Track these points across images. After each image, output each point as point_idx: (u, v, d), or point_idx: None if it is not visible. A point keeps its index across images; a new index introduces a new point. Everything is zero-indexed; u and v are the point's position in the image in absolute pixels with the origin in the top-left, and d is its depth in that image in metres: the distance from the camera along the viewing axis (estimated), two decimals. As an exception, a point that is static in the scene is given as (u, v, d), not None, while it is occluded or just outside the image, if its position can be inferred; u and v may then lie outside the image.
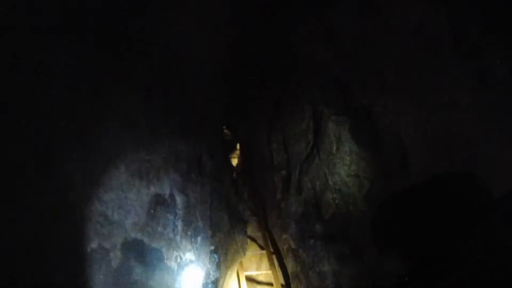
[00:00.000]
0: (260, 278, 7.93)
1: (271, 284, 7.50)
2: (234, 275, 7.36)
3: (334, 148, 6.11)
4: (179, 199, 5.25)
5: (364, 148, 5.86)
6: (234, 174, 9.70)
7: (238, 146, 10.76)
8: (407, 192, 1.52)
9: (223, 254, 6.73)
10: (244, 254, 7.43)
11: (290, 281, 6.93)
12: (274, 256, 7.85)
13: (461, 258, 1.27)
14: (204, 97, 7.11)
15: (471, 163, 4.66)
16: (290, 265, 7.11)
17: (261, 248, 8.26)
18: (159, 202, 4.97)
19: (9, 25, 3.70)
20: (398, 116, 5.36)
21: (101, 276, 4.05)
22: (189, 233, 5.34)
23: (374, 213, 5.55)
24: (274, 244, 8.05)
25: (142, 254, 4.63)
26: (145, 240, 4.70)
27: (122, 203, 4.50)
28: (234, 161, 10.74)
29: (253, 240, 8.40)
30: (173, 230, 5.09)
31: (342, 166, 6.02)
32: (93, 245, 4.06)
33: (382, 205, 5.54)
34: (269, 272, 7.69)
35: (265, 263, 7.91)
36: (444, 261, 1.34)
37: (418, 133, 5.16)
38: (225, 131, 10.87)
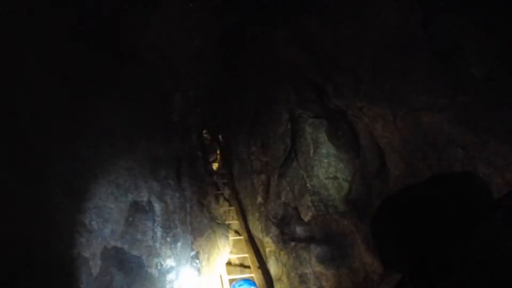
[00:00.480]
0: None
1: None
2: (217, 279, 7.34)
3: (312, 151, 6.14)
4: (157, 206, 5.24)
5: (341, 150, 5.90)
6: (215, 178, 9.68)
7: (218, 150, 10.75)
8: (406, 191, 1.53)
9: (205, 259, 6.70)
10: (227, 258, 7.41)
11: (274, 284, 6.92)
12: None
13: (461, 258, 1.28)
14: (183, 103, 7.09)
15: (448, 164, 4.71)
16: (272, 268, 7.09)
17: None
18: (138, 210, 4.95)
19: None
20: (374, 119, 5.40)
21: (82, 285, 4.03)
22: (168, 239, 5.32)
23: (356, 218, 5.59)
24: (255, 246, 8.12)
25: (122, 262, 4.61)
26: (125, 247, 4.68)
27: (100, 211, 4.48)
28: (215, 165, 10.72)
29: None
30: (153, 237, 5.08)
31: (320, 169, 6.06)
32: (73, 254, 4.04)
33: (363, 211, 5.58)
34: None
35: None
36: (444, 261, 1.35)
37: (395, 134, 5.20)
38: (205, 135, 10.86)
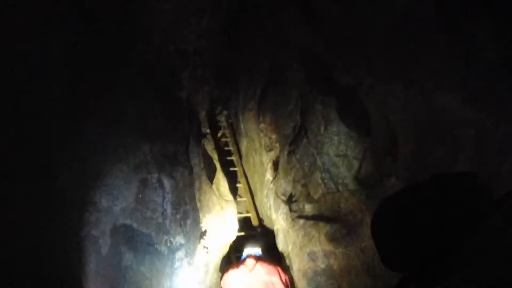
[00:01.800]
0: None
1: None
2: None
3: (322, 128, 6.09)
4: (167, 183, 5.21)
5: (352, 128, 5.85)
6: (223, 155, 9.67)
7: (226, 128, 10.72)
8: (404, 191, 1.51)
9: (213, 237, 6.72)
10: (235, 235, 7.42)
11: (281, 261, 6.94)
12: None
13: (461, 258, 1.26)
14: (191, 81, 7.06)
15: (459, 144, 4.67)
16: (280, 245, 7.11)
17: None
18: (147, 187, 4.93)
19: None
20: (385, 97, 5.34)
21: (91, 264, 4.03)
22: (178, 216, 5.31)
23: (365, 197, 5.56)
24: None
25: (131, 239, 4.61)
26: (134, 225, 4.68)
27: (109, 189, 4.47)
28: (223, 143, 10.70)
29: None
30: (162, 214, 5.07)
31: (331, 146, 6.01)
32: (83, 232, 4.04)
33: (373, 190, 5.55)
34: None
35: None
36: (444, 261, 1.33)
37: (406, 114, 5.15)
38: (214, 113, 10.83)
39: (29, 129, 3.80)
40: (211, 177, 7.41)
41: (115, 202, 4.49)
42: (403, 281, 1.52)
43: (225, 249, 7.03)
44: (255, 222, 8.31)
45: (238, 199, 8.60)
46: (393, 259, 1.64)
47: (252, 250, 6.42)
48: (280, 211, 6.97)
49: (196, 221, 5.80)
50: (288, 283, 6.27)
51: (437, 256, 1.39)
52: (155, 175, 5.06)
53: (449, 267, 1.32)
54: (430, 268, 1.40)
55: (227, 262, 7.19)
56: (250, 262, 6.12)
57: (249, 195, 8.77)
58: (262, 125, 7.83)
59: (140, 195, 4.80)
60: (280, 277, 6.09)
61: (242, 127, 9.25)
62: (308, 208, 6.28)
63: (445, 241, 1.40)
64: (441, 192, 1.55)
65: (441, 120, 4.78)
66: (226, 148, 9.63)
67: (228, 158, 9.52)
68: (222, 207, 7.36)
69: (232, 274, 5.99)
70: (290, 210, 6.66)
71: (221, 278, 6.45)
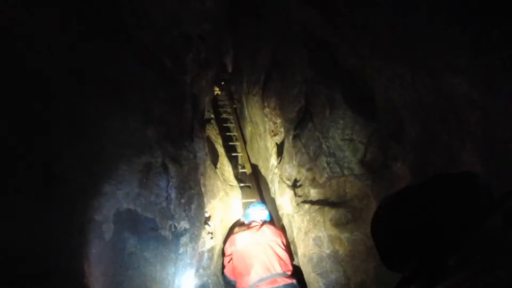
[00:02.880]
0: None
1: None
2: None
3: (327, 112, 6.04)
4: (171, 167, 5.17)
5: (357, 111, 5.80)
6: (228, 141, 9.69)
7: (230, 112, 10.73)
8: (404, 191, 1.49)
9: (218, 222, 6.71)
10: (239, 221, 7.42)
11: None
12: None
13: (461, 258, 1.24)
14: (195, 65, 7.00)
15: (467, 127, 4.62)
16: (286, 230, 7.11)
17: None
18: (151, 171, 4.89)
19: None
20: (392, 79, 5.28)
21: (94, 250, 4.00)
22: (182, 201, 5.27)
23: (371, 181, 5.53)
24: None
25: (135, 224, 4.57)
26: (138, 210, 4.63)
27: (112, 173, 4.42)
28: (228, 128, 10.73)
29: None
30: (166, 198, 5.03)
31: (336, 130, 5.96)
32: (84, 218, 3.99)
33: (378, 174, 5.52)
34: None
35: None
36: (444, 261, 1.31)
37: (413, 95, 5.10)
38: (218, 97, 10.82)
39: (28, 110, 3.75)
40: (215, 162, 7.40)
41: (118, 187, 4.43)
42: (403, 281, 1.51)
43: (229, 234, 7.01)
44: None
45: (243, 184, 8.58)
46: (393, 259, 1.63)
47: (261, 214, 6.94)
48: (285, 196, 6.95)
49: (201, 206, 5.76)
50: (288, 245, 6.77)
51: (437, 256, 1.37)
52: (159, 159, 5.02)
53: (449, 267, 1.30)
54: (430, 268, 1.38)
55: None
56: (256, 223, 6.65)
57: (253, 180, 8.75)
58: (266, 110, 7.79)
59: (144, 180, 4.75)
60: (282, 239, 6.53)
61: (246, 113, 9.24)
62: (313, 193, 6.27)
63: (445, 241, 1.38)
64: (441, 192, 1.53)
65: (448, 103, 4.73)
66: (229, 134, 9.62)
67: (233, 143, 9.52)
68: (226, 193, 7.35)
69: (241, 235, 6.40)
70: (295, 195, 6.65)
71: (224, 242, 6.79)
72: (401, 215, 1.54)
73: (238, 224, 7.40)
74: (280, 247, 6.40)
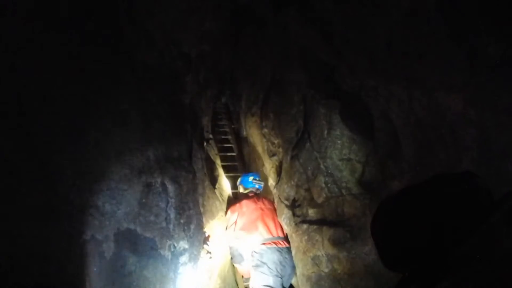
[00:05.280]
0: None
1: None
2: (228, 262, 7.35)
3: (326, 132, 6.08)
4: (171, 188, 5.20)
5: (355, 131, 5.85)
6: (226, 160, 9.72)
7: (229, 133, 10.76)
8: (404, 191, 1.49)
9: (216, 242, 6.71)
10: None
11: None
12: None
13: (461, 258, 1.25)
14: (194, 85, 7.06)
15: (463, 145, 4.67)
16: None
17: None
18: (151, 191, 4.92)
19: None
20: (389, 99, 5.35)
21: (95, 268, 4.02)
22: (182, 221, 5.30)
23: (369, 200, 5.55)
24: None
25: (135, 244, 4.60)
26: (138, 229, 4.67)
27: (113, 193, 4.46)
28: (226, 148, 10.75)
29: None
30: (166, 218, 5.05)
31: (334, 150, 6.01)
32: (86, 236, 4.03)
33: (376, 193, 5.54)
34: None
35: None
36: (444, 261, 1.32)
37: (410, 114, 5.15)
38: (216, 117, 10.85)
39: (30, 132, 3.80)
40: (214, 182, 7.41)
41: (119, 206, 4.47)
42: (403, 281, 1.52)
43: (227, 254, 7.03)
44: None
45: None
46: (393, 259, 1.63)
47: (258, 183, 7.35)
48: (283, 216, 6.97)
49: (200, 226, 5.79)
50: None
51: (437, 256, 1.39)
52: (159, 180, 5.06)
53: (449, 267, 1.32)
54: (430, 268, 1.40)
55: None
56: (252, 193, 7.12)
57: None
58: (265, 130, 7.83)
59: (144, 200, 4.79)
60: (275, 209, 7.07)
61: (245, 132, 9.27)
62: (311, 213, 6.29)
63: (445, 241, 1.40)
64: (441, 192, 1.54)
65: (444, 121, 4.79)
66: (229, 154, 9.63)
67: (232, 163, 9.53)
68: (225, 212, 7.36)
69: (245, 201, 6.73)
70: (294, 214, 6.67)
71: (226, 210, 7.18)
72: (401, 215, 1.56)
73: (236, 195, 7.85)
74: (277, 215, 6.92)
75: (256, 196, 7.07)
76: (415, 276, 1.46)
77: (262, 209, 6.65)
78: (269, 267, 5.91)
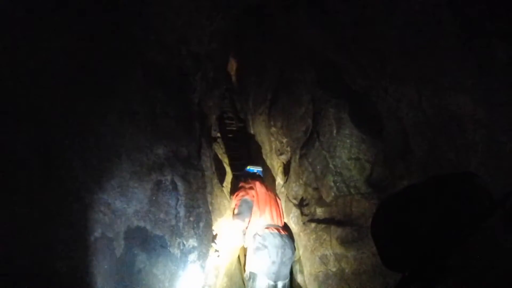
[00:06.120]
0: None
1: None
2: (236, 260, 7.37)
3: (335, 131, 6.08)
4: (181, 185, 5.23)
5: (364, 131, 5.84)
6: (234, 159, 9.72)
7: (237, 132, 10.76)
8: (404, 191, 1.50)
9: (224, 240, 6.73)
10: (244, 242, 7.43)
11: (293, 264, 6.97)
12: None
13: (461, 258, 1.26)
14: (203, 84, 7.08)
15: (472, 145, 4.67)
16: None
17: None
18: (161, 189, 4.94)
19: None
20: (399, 99, 5.35)
21: (105, 266, 4.05)
22: (191, 219, 5.32)
23: (377, 200, 5.55)
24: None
25: (145, 241, 4.62)
26: (148, 227, 4.69)
27: (123, 191, 4.48)
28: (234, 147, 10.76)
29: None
30: (176, 216, 5.08)
31: (343, 149, 6.00)
32: (97, 234, 4.05)
33: (385, 193, 5.53)
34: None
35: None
36: (444, 261, 1.32)
37: (419, 115, 5.15)
38: (224, 116, 10.86)
39: (42, 130, 3.82)
40: (222, 181, 7.43)
41: (129, 204, 4.50)
42: (403, 281, 1.52)
43: (235, 252, 7.05)
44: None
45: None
46: (393, 259, 1.64)
47: (255, 168, 7.64)
48: (291, 215, 6.98)
49: (209, 224, 5.81)
50: None
51: (437, 256, 1.39)
52: (169, 177, 5.08)
53: (449, 267, 1.32)
54: (430, 268, 1.41)
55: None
56: (258, 180, 7.12)
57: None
58: (273, 129, 7.83)
59: (154, 197, 4.81)
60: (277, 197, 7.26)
61: (252, 131, 9.27)
62: (319, 212, 6.29)
63: (445, 241, 1.40)
64: (441, 192, 1.54)
65: (454, 121, 4.79)
66: (236, 152, 9.62)
67: (239, 162, 9.52)
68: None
69: (257, 184, 6.87)
70: (302, 213, 6.67)
71: (231, 194, 7.37)
72: (401, 215, 1.56)
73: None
74: (280, 205, 7.09)
75: (261, 179, 7.28)
76: (415, 276, 1.47)
77: (271, 196, 6.82)
78: (269, 252, 5.99)
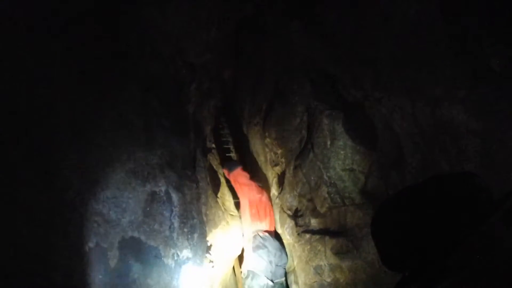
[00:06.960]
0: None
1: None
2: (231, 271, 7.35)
3: (329, 143, 6.11)
4: (175, 196, 5.22)
5: (358, 142, 5.87)
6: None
7: (231, 143, 10.75)
8: (404, 192, 1.50)
9: (218, 251, 6.71)
10: (240, 250, 7.40)
11: (287, 276, 6.97)
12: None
13: (461, 258, 1.26)
14: (198, 94, 7.09)
15: (466, 155, 4.69)
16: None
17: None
18: (155, 200, 4.94)
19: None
20: (393, 110, 5.38)
21: (100, 276, 4.04)
22: (185, 230, 5.31)
23: (372, 210, 5.56)
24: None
25: (139, 252, 4.62)
26: (142, 238, 4.68)
27: (118, 201, 4.48)
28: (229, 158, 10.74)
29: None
30: (170, 227, 5.07)
31: (337, 161, 6.03)
32: (91, 244, 4.05)
33: (379, 203, 5.53)
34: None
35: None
36: (444, 261, 1.33)
37: (413, 125, 5.18)
38: (219, 127, 10.85)
39: (36, 140, 3.83)
40: (216, 192, 7.42)
41: (124, 215, 4.50)
42: (403, 281, 1.53)
43: (230, 263, 7.04)
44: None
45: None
46: (393, 259, 1.64)
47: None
48: (286, 226, 6.98)
49: (203, 235, 5.80)
50: None
51: (437, 256, 1.39)
52: (163, 188, 5.08)
53: (449, 267, 1.33)
54: (430, 268, 1.41)
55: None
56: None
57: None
58: (267, 140, 7.83)
59: (148, 208, 4.81)
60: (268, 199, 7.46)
61: (248, 142, 9.26)
62: (314, 223, 6.31)
63: (445, 241, 1.40)
64: (441, 192, 1.55)
65: (447, 131, 4.83)
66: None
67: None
68: (227, 222, 7.35)
69: (254, 187, 7.28)
70: (296, 224, 6.68)
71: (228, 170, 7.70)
72: (401, 215, 1.56)
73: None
74: (271, 210, 7.31)
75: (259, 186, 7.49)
76: (415, 276, 1.47)
77: (266, 203, 7.18)
78: (269, 251, 6.26)
